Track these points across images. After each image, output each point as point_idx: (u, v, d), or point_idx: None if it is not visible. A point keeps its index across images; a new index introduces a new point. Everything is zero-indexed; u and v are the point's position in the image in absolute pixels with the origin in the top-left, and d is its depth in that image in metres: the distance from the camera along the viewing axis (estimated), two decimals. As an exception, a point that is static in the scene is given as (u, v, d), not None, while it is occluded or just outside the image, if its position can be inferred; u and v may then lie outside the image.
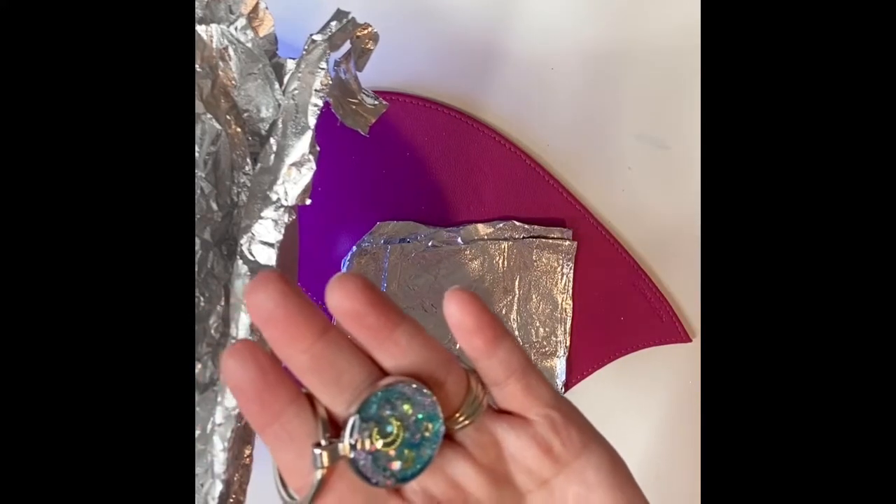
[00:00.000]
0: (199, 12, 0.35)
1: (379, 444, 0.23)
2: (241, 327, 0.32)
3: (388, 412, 0.23)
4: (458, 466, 0.25)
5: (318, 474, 0.23)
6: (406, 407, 0.24)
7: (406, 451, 0.24)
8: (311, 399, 0.24)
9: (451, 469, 0.25)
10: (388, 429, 0.23)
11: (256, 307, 0.23)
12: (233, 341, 0.32)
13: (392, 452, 0.23)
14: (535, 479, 0.26)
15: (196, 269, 0.37)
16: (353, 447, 0.23)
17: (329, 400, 0.24)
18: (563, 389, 0.48)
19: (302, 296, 0.23)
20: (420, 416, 0.24)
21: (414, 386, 0.24)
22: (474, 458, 0.25)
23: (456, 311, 0.24)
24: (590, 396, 0.49)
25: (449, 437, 0.25)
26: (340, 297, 0.23)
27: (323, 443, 0.23)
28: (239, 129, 0.37)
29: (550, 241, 0.47)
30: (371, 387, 0.24)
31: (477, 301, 0.24)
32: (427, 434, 0.24)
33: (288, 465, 0.24)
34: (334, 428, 0.24)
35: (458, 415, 0.25)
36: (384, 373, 0.24)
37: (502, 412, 0.26)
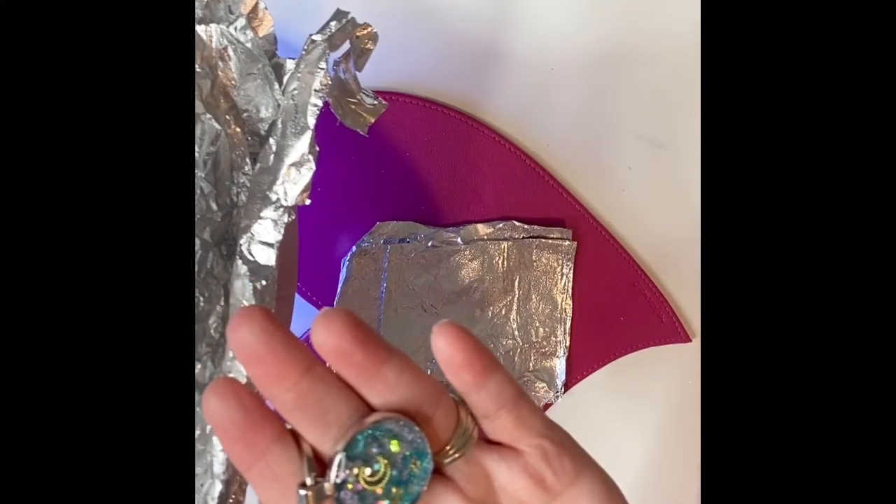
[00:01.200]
0: (198, 12, 0.35)
1: (365, 482, 0.23)
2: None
3: (374, 450, 0.23)
4: (448, 501, 0.24)
5: None
6: (393, 444, 0.23)
7: (394, 490, 0.23)
8: (296, 436, 0.24)
9: None
10: (376, 467, 0.23)
11: (240, 345, 0.22)
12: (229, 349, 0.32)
13: (379, 490, 0.23)
14: None
15: (196, 269, 0.37)
16: (338, 487, 0.23)
17: (315, 438, 0.24)
18: (563, 389, 0.48)
19: (286, 331, 0.23)
20: (408, 453, 0.23)
21: (401, 422, 0.23)
22: (464, 492, 0.25)
23: (444, 347, 0.24)
24: (589, 397, 0.49)
25: (438, 471, 0.24)
26: (326, 335, 0.23)
27: (308, 482, 0.23)
28: (238, 129, 0.37)
29: (550, 241, 0.47)
30: (357, 424, 0.23)
31: (465, 335, 0.24)
32: (415, 471, 0.23)
33: None
34: (320, 465, 0.23)
35: (447, 448, 0.24)
36: (371, 408, 0.24)
37: (493, 443, 0.26)
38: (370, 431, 0.23)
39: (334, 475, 0.23)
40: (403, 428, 0.23)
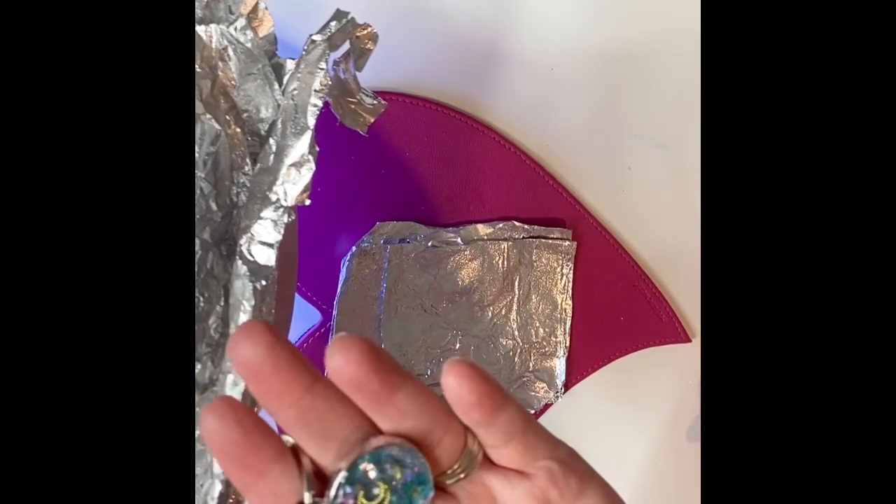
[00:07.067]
0: (198, 12, 0.35)
1: None
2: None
3: (375, 475, 0.23)
4: None
5: None
6: (395, 470, 0.23)
7: None
8: (295, 450, 0.23)
9: None
10: (375, 491, 0.23)
11: (242, 360, 0.22)
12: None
13: None
14: None
15: (196, 269, 0.37)
16: None
17: (316, 453, 0.23)
18: (563, 389, 0.48)
19: (289, 347, 0.22)
20: (409, 479, 0.23)
21: (405, 448, 0.23)
22: None
23: (455, 386, 0.23)
24: (589, 397, 0.49)
25: (442, 490, 0.24)
26: (342, 364, 0.22)
27: (307, 499, 0.23)
28: (238, 130, 0.37)
29: (550, 241, 0.47)
30: (360, 447, 0.23)
31: (476, 373, 0.23)
32: (416, 497, 0.23)
33: None
34: (320, 481, 0.23)
35: (454, 466, 0.24)
36: (375, 426, 0.24)
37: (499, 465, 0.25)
38: (372, 456, 0.23)
39: (333, 496, 0.23)
40: (406, 454, 0.23)
